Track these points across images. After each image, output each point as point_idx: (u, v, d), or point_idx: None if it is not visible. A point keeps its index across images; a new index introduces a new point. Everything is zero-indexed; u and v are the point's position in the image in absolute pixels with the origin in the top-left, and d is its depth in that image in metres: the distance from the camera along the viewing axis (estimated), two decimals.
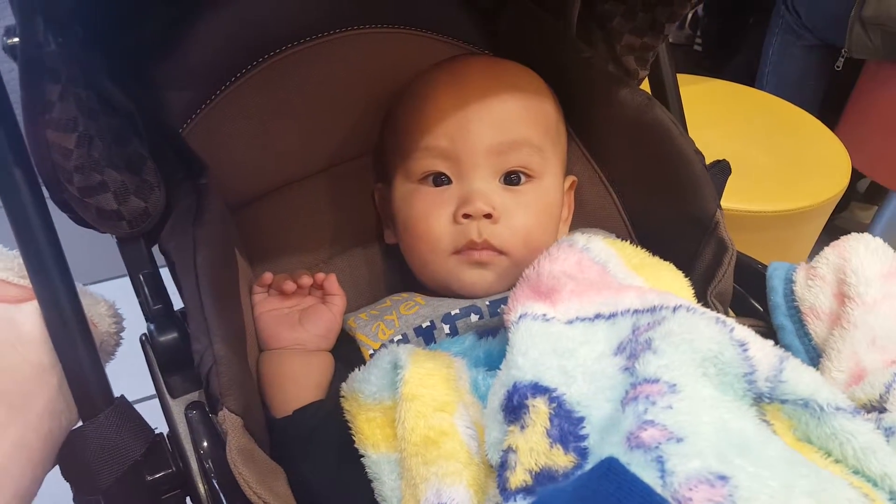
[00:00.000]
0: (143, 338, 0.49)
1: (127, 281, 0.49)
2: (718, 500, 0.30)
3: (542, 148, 0.57)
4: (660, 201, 0.59)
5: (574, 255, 0.50)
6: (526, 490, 0.36)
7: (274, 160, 0.62)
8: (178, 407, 0.45)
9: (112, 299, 0.52)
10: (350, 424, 0.44)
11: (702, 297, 0.53)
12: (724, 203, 0.56)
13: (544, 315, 0.44)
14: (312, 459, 0.45)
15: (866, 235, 0.49)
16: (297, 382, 0.50)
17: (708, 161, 0.58)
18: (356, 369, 0.46)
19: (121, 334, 0.51)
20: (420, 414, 0.41)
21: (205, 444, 0.42)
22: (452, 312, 0.53)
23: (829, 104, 1.46)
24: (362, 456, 0.43)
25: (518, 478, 0.37)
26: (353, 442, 0.43)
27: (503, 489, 0.37)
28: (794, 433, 0.37)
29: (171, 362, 0.47)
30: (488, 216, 0.54)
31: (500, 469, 0.38)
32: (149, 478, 0.43)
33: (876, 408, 0.41)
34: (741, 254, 0.56)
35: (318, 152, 0.65)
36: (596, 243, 0.52)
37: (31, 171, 0.42)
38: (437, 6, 0.66)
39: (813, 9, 1.37)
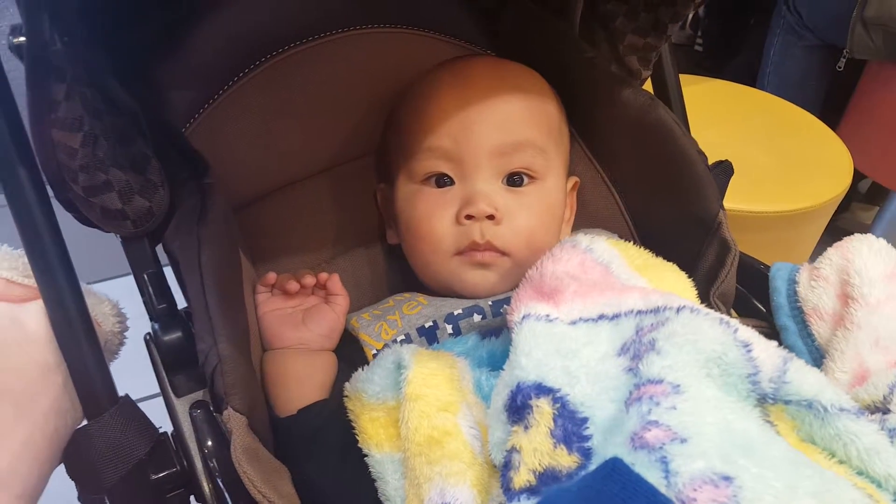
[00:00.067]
0: (148, 337, 0.49)
1: (130, 279, 0.49)
2: (722, 500, 0.30)
3: (546, 149, 0.57)
4: (662, 202, 0.59)
5: (577, 255, 0.50)
6: (530, 490, 0.36)
7: (276, 160, 0.62)
8: (182, 406, 0.45)
9: (115, 298, 0.52)
10: (354, 424, 0.44)
11: (704, 297, 0.53)
12: (725, 203, 0.56)
13: (547, 316, 0.44)
14: (316, 459, 0.45)
15: (870, 236, 0.49)
16: (300, 382, 0.50)
17: (710, 162, 0.58)
18: (359, 369, 0.46)
19: (125, 333, 0.52)
20: (423, 414, 0.41)
21: (209, 442, 0.42)
22: (455, 312, 0.53)
23: (831, 105, 1.46)
24: (366, 455, 0.43)
25: (522, 478, 0.37)
26: (357, 441, 0.43)
27: (507, 489, 0.37)
28: (797, 434, 0.37)
29: (176, 361, 0.47)
30: (491, 217, 0.54)
31: (504, 469, 0.38)
32: (153, 476, 0.43)
33: (879, 409, 0.41)
34: (744, 254, 0.56)
35: (321, 152, 0.65)
36: (599, 244, 0.52)
37: (36, 171, 0.42)
38: (440, 6, 0.66)
39: (814, 9, 1.37)
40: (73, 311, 0.42)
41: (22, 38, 0.39)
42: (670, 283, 0.51)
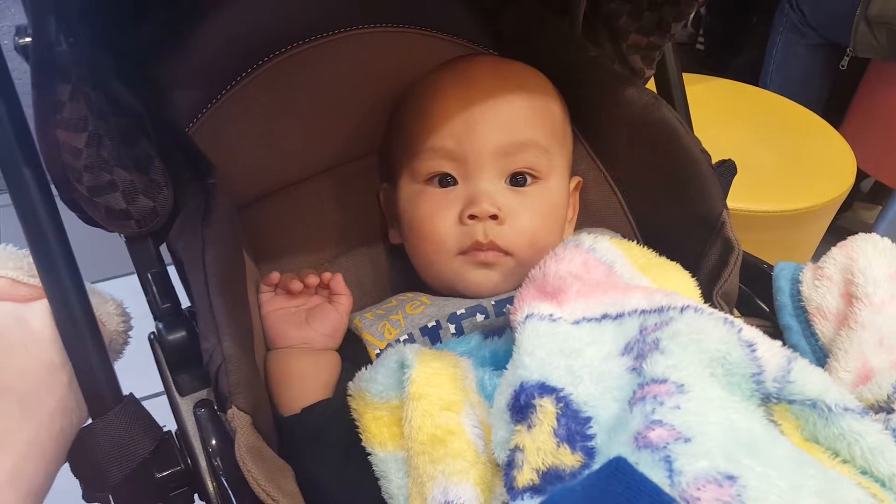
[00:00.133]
0: (152, 336, 0.49)
1: (134, 278, 0.49)
2: (726, 499, 0.30)
3: (549, 149, 0.57)
4: (666, 201, 0.59)
5: (580, 255, 0.50)
6: (533, 489, 0.36)
7: (279, 159, 0.62)
8: (186, 405, 0.46)
9: (119, 297, 0.52)
10: (357, 423, 0.44)
11: (707, 297, 0.53)
12: (727, 203, 0.56)
13: (551, 315, 0.44)
14: (320, 457, 0.45)
15: (874, 235, 0.49)
16: (304, 381, 0.50)
17: (713, 161, 0.58)
18: (363, 368, 0.46)
19: (129, 333, 0.52)
20: (427, 413, 0.41)
21: (213, 441, 0.42)
22: (458, 312, 0.53)
23: (834, 104, 1.46)
24: (369, 454, 0.43)
25: (525, 477, 0.37)
26: (361, 440, 0.44)
27: (510, 488, 0.37)
28: (801, 433, 0.38)
29: (180, 360, 0.47)
30: (494, 217, 0.54)
31: (507, 468, 0.38)
32: (157, 475, 0.43)
33: (883, 408, 0.41)
34: (747, 254, 0.55)
35: (324, 152, 0.65)
36: (602, 243, 0.52)
37: (41, 171, 0.42)
38: (442, 5, 0.66)
39: (817, 7, 1.36)
40: (78, 311, 0.43)
41: (27, 39, 0.39)
42: (674, 282, 0.51)
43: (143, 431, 0.43)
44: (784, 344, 0.40)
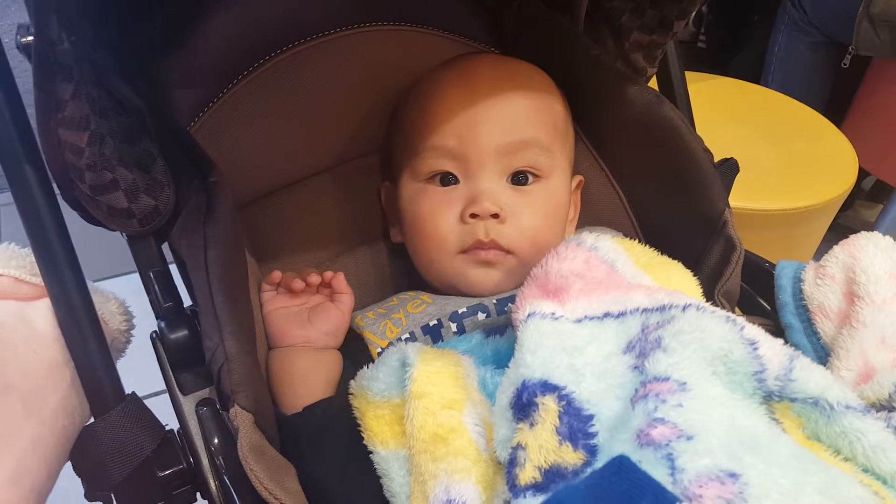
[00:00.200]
0: (154, 335, 0.49)
1: (136, 277, 0.49)
2: (729, 497, 0.30)
3: (551, 148, 0.57)
4: (668, 200, 0.59)
5: (582, 253, 0.50)
6: (535, 487, 0.36)
7: (280, 158, 0.62)
8: (188, 403, 0.46)
9: (121, 296, 0.52)
10: (359, 422, 0.44)
11: (709, 295, 0.53)
12: (729, 201, 0.56)
13: (553, 314, 0.44)
14: (322, 456, 0.45)
15: (876, 234, 0.49)
16: (306, 379, 0.50)
17: (715, 159, 0.58)
18: (364, 367, 0.46)
19: (131, 331, 0.52)
20: (429, 411, 0.41)
21: (216, 440, 0.42)
22: (460, 311, 0.53)
23: (835, 102, 1.46)
24: (371, 453, 0.43)
25: (527, 474, 0.37)
26: (362, 439, 0.44)
27: (512, 486, 0.37)
28: (803, 431, 0.38)
29: (182, 359, 0.47)
30: (495, 216, 0.54)
31: (510, 466, 0.38)
32: (160, 474, 0.43)
33: (885, 407, 0.41)
34: (749, 252, 0.55)
35: (325, 151, 0.65)
36: (604, 242, 0.52)
37: (43, 170, 0.42)
38: (444, 3, 0.66)
39: (819, 5, 1.36)
40: (80, 310, 0.43)
41: (29, 37, 0.39)
42: (676, 281, 0.51)
43: (145, 430, 0.43)
44: (786, 342, 0.40)
